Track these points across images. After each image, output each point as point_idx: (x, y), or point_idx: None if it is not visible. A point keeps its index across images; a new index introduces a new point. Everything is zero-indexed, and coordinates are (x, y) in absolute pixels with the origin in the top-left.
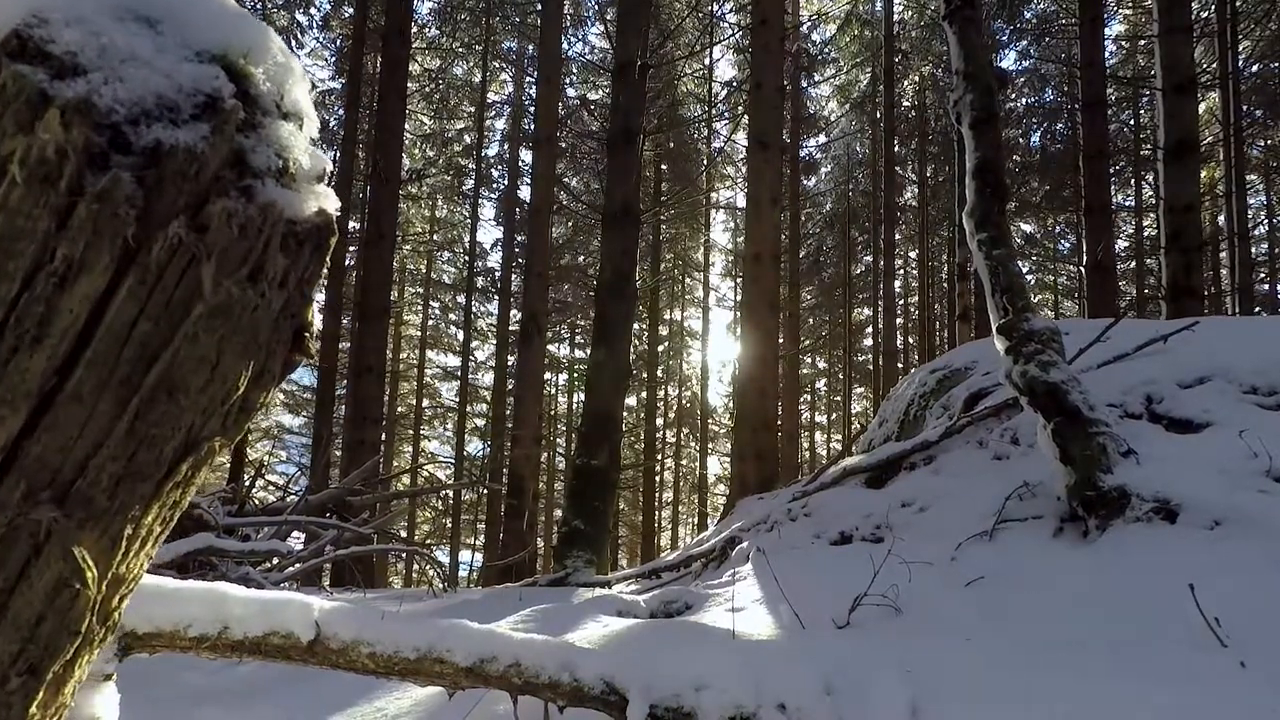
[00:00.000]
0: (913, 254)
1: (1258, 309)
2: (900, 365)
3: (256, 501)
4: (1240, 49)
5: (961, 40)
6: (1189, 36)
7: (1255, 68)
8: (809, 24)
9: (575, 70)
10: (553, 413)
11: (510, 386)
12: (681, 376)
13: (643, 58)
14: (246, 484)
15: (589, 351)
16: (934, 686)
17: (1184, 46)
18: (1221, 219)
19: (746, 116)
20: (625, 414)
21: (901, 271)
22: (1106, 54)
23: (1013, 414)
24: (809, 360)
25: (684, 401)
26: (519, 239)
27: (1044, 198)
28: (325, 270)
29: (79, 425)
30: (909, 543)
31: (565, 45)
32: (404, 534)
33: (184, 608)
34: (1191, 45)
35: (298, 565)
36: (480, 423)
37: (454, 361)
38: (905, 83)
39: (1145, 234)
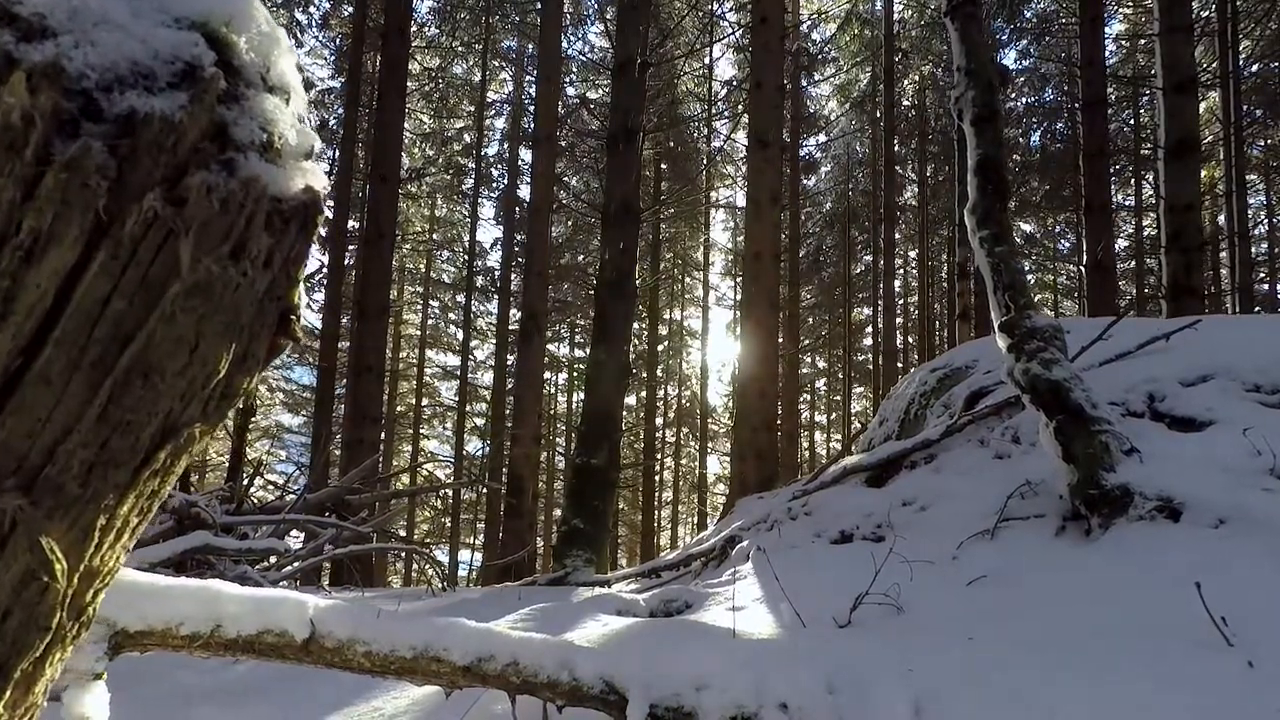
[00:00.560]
0: (912, 253)
1: (1257, 308)
2: (900, 365)
3: (255, 500)
4: (1240, 49)
5: (963, 36)
6: (1189, 35)
7: (1255, 67)
8: (809, 23)
9: (575, 69)
10: (552, 412)
11: (510, 386)
12: (681, 376)
13: (642, 56)
14: (245, 482)
15: (589, 350)
16: (936, 686)
17: (1184, 45)
18: (1221, 218)
19: (746, 115)
20: (625, 413)
21: (901, 271)
22: (1106, 53)
23: (1014, 412)
24: (809, 360)
25: (684, 401)
26: (518, 238)
27: (1044, 197)
28: (326, 270)
29: (47, 408)
30: (910, 542)
31: (565, 44)
32: (403, 533)
33: (176, 605)
34: (1192, 44)
35: (296, 564)
36: (480, 422)
37: (453, 361)
38: (905, 82)
39: (1145, 233)
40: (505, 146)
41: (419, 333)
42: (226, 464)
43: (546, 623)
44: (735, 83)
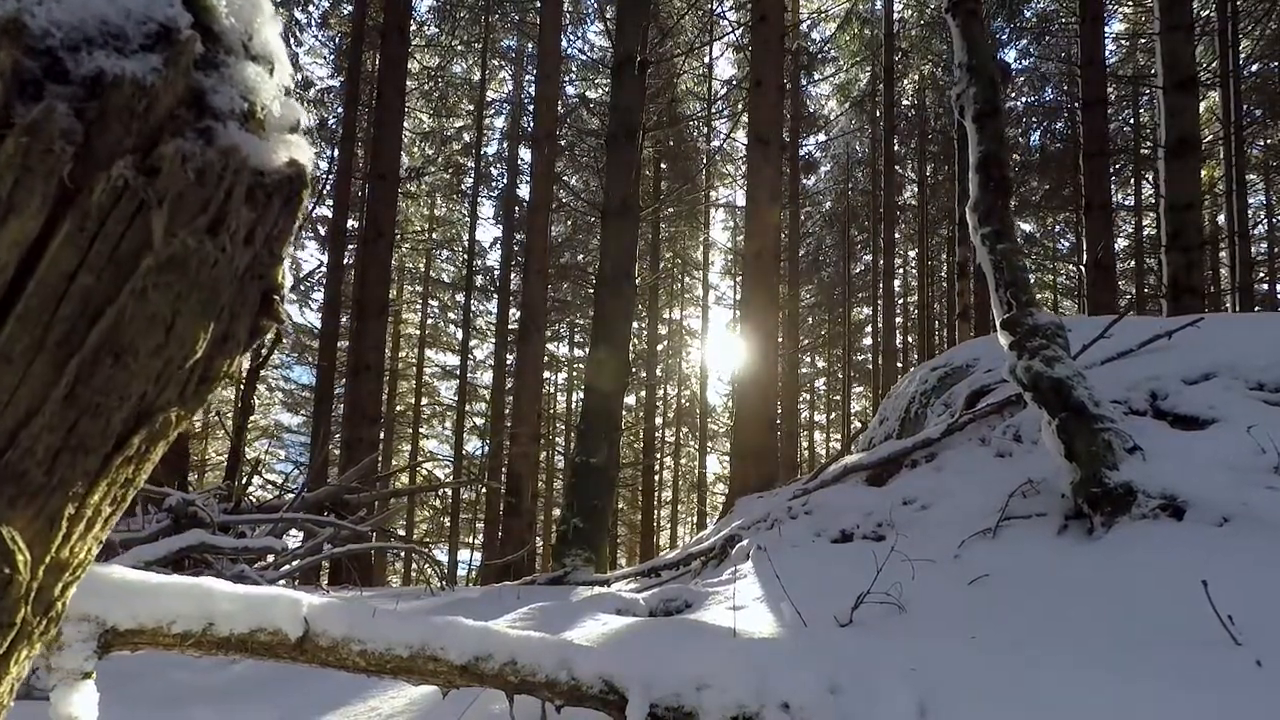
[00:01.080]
0: (912, 253)
1: (1257, 308)
2: (900, 364)
3: (253, 500)
4: (1240, 48)
5: (965, 33)
6: (1190, 34)
7: (1255, 67)
8: (809, 22)
9: (575, 68)
10: (552, 411)
11: (509, 385)
12: (681, 375)
13: (642, 54)
14: (242, 481)
15: (588, 350)
16: (940, 686)
17: (1185, 44)
18: (1221, 218)
19: (746, 114)
20: (624, 412)
21: (901, 270)
22: (1106, 52)
23: (1015, 411)
24: (808, 359)
25: (683, 400)
26: (518, 237)
27: (1044, 197)
28: (325, 269)
29: (9, 390)
30: (911, 540)
31: (565, 43)
32: (403, 532)
33: (168, 603)
34: (1193, 43)
35: (295, 563)
36: (479, 421)
37: (453, 360)
38: (905, 81)
39: (1145, 233)
40: (505, 145)
41: (418, 332)
42: (224, 463)
43: (545, 622)
44: (735, 82)
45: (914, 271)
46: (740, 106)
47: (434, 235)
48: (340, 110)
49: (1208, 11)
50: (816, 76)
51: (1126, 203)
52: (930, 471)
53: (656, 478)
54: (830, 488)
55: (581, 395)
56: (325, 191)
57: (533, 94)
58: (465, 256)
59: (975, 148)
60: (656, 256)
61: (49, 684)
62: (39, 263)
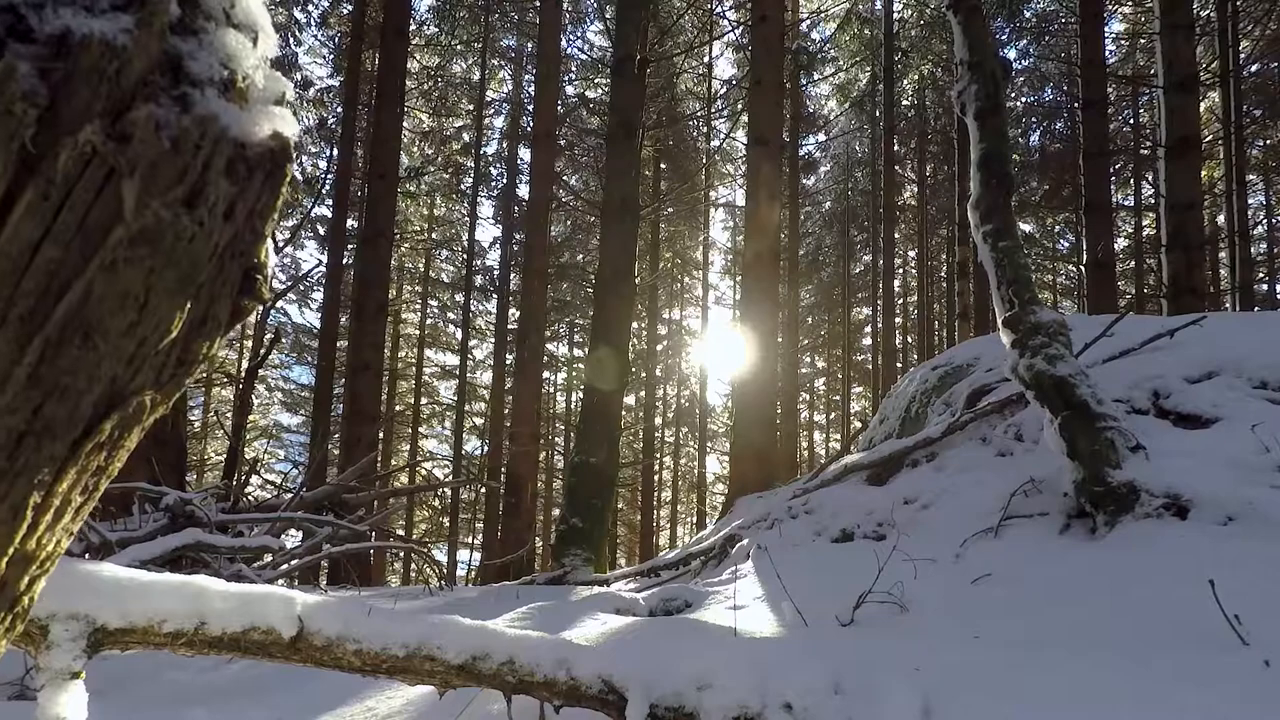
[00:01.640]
0: (912, 253)
1: (1256, 308)
2: (899, 365)
3: (252, 499)
4: (1240, 48)
5: (966, 29)
6: (1190, 33)
7: (1255, 67)
8: (808, 22)
9: (574, 68)
10: (551, 411)
11: (509, 384)
12: (680, 375)
13: (642, 52)
14: (240, 480)
15: (588, 349)
16: (945, 686)
17: (1185, 43)
18: (1221, 218)
19: (746, 114)
20: (624, 412)
21: (901, 270)
22: (1106, 52)
23: (1016, 410)
24: (808, 360)
25: (683, 400)
26: (517, 237)
27: (1043, 196)
28: (324, 269)
29: None
30: (912, 540)
31: (564, 43)
32: (402, 532)
33: (159, 601)
34: (1193, 42)
35: (293, 562)
36: (478, 421)
37: (452, 360)
38: (905, 81)
39: (1145, 233)
40: (504, 145)
41: (418, 332)
42: (223, 462)
43: (544, 621)
44: (734, 81)
45: (914, 271)
46: (740, 106)
47: (433, 235)
48: (339, 110)
49: (1208, 11)
50: (816, 76)
51: (1126, 203)
52: (931, 471)
53: (656, 478)
54: (830, 487)
55: (581, 395)
56: (325, 191)
57: (532, 94)
58: (465, 256)
59: (977, 145)
60: (656, 256)
61: (38, 684)
62: None
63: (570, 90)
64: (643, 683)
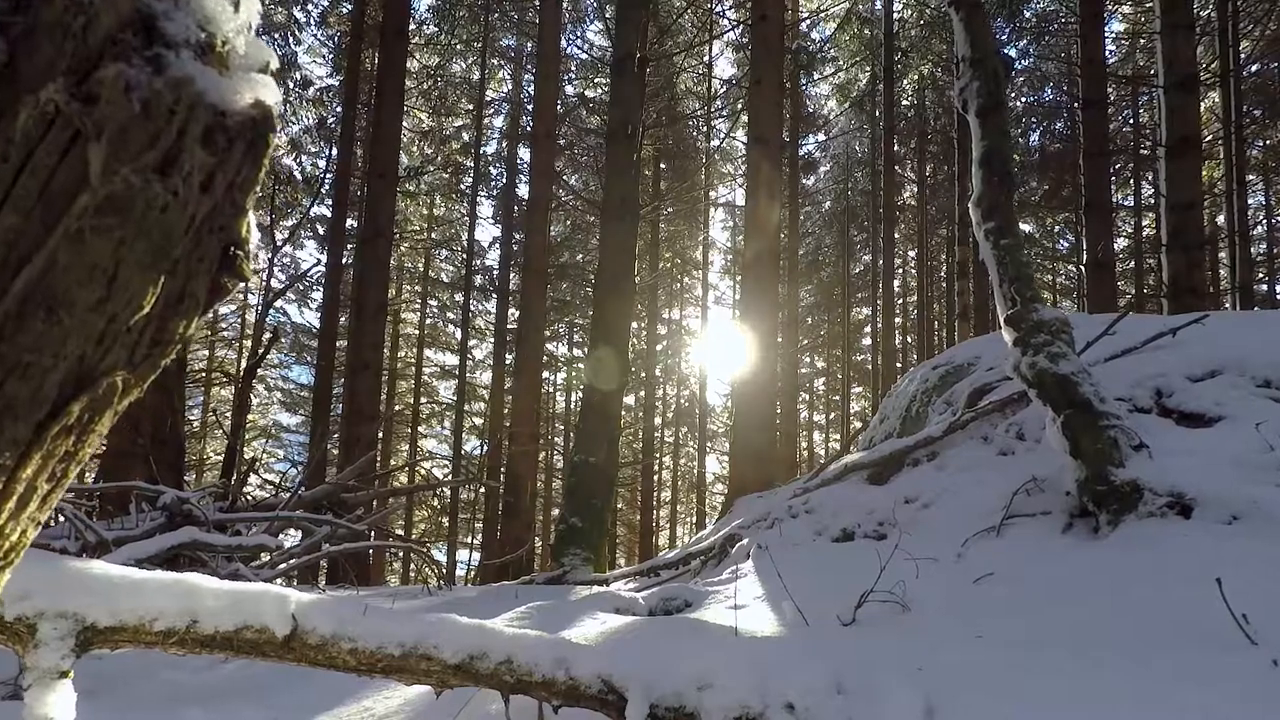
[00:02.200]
0: (911, 253)
1: (1256, 308)
2: (899, 364)
3: (250, 498)
4: (1240, 48)
5: (968, 26)
6: (1191, 32)
7: (1255, 67)
8: (808, 21)
9: (574, 68)
10: (551, 411)
11: (508, 384)
12: (680, 375)
13: (642, 51)
14: (238, 479)
15: (587, 349)
16: (948, 686)
17: (1186, 42)
18: (1221, 218)
19: (745, 114)
20: (623, 412)
21: (900, 270)
22: (1106, 52)
23: (1018, 409)
24: (807, 360)
25: (682, 400)
26: (517, 237)
27: (1043, 196)
28: (324, 269)
29: None
30: (914, 539)
31: (564, 42)
32: (401, 532)
33: (150, 599)
34: (1193, 41)
35: (291, 561)
36: (478, 421)
37: (452, 360)
38: (905, 81)
39: (1144, 233)
40: (504, 145)
41: (417, 331)
42: (221, 462)
43: (543, 621)
44: (734, 81)
45: (914, 271)
46: (740, 106)
47: (433, 234)
48: (339, 109)
49: (1208, 11)
50: (816, 76)
51: (1126, 203)
52: (932, 470)
53: (655, 478)
54: (831, 486)
55: (581, 395)
56: (324, 190)
57: (532, 93)
58: (464, 256)
59: (978, 142)
60: (656, 256)
61: (25, 683)
62: None
63: (570, 90)
64: (642, 682)
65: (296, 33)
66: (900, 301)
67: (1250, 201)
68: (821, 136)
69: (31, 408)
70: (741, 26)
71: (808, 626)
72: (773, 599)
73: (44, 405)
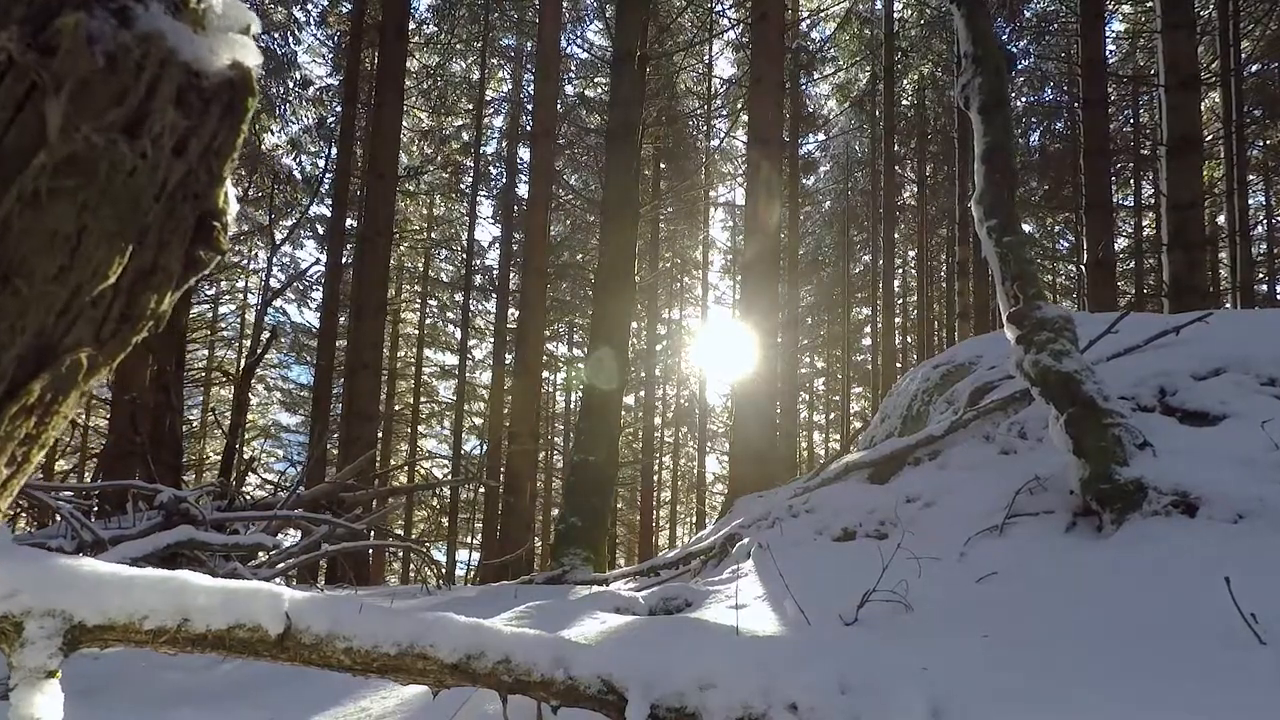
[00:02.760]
0: (912, 253)
1: (1256, 307)
2: (899, 364)
3: (249, 497)
4: (1241, 48)
5: (970, 23)
6: (1191, 32)
7: (1255, 67)
8: (808, 21)
9: (574, 67)
10: (551, 411)
11: (508, 384)
12: (680, 375)
13: (642, 49)
14: (237, 478)
15: (587, 349)
16: (953, 686)
17: (1186, 42)
18: (1221, 218)
19: (745, 113)
20: (623, 412)
21: (900, 271)
22: (1107, 52)
23: (1020, 407)
24: (807, 360)
25: (682, 400)
26: (517, 237)
27: (1043, 196)
28: (324, 268)
29: None
30: (916, 538)
31: (563, 42)
32: (400, 532)
33: (140, 597)
34: (1194, 41)
35: (290, 560)
36: (478, 421)
37: (451, 359)
38: (905, 81)
39: (1145, 233)
40: (503, 144)
41: (417, 331)
42: (219, 461)
43: (543, 620)
44: (734, 80)
45: (914, 272)
46: (740, 105)
47: (433, 234)
48: (339, 109)
49: (1208, 11)
50: (816, 76)
51: (1126, 203)
52: (934, 469)
53: (655, 477)
54: (832, 486)
55: (581, 395)
56: (324, 190)
57: (532, 92)
58: (464, 255)
59: (981, 139)
60: (656, 256)
61: (11, 683)
62: None
63: (570, 89)
64: (643, 682)
65: (296, 32)
66: (900, 301)
67: (1250, 201)
68: (821, 136)
69: None
70: (741, 26)
71: (810, 626)
72: (774, 598)
73: (1, 383)
